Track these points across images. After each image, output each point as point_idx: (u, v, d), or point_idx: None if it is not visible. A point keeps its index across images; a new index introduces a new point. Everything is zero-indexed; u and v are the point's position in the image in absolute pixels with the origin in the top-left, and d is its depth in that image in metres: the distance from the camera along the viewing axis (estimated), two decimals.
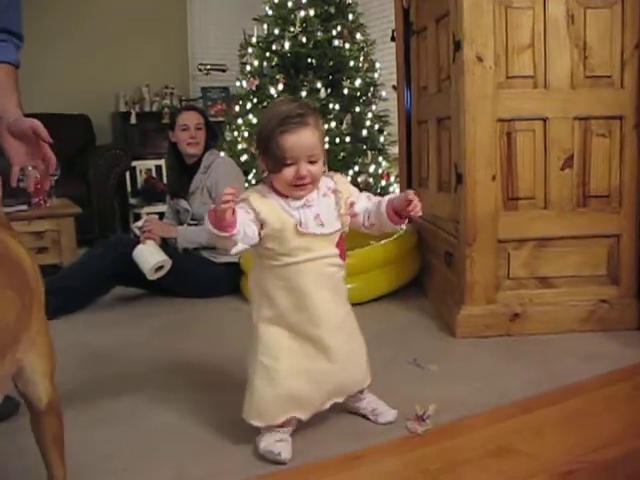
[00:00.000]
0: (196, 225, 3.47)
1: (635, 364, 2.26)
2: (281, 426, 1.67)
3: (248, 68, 4.89)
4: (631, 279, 2.61)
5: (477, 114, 2.49)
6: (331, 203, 1.67)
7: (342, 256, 1.71)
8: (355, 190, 1.75)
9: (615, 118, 2.56)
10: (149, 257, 3.15)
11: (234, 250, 1.59)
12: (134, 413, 1.99)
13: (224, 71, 6.61)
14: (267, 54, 4.76)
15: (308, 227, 1.62)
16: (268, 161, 1.62)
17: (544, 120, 2.53)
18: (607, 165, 2.58)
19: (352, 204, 1.71)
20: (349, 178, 4.51)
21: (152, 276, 3.18)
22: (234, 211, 1.48)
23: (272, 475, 1.59)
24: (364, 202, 1.73)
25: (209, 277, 3.38)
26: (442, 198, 2.92)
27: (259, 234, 1.61)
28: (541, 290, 2.60)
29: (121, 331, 2.90)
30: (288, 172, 1.58)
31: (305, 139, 1.57)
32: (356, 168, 4.61)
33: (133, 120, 6.23)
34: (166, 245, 3.32)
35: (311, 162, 1.59)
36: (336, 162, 4.52)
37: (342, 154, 4.54)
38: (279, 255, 1.63)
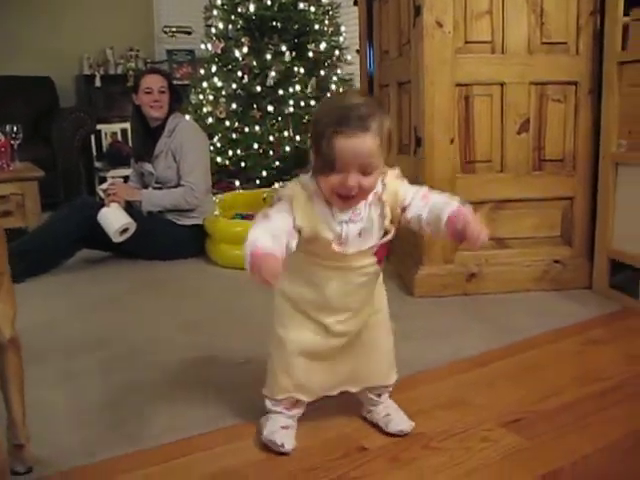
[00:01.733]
0: (160, 188, 3.50)
1: (584, 321, 2.37)
2: (287, 408, 1.59)
3: (213, 31, 4.86)
4: (583, 240, 2.71)
5: (436, 78, 2.54)
6: (376, 213, 1.46)
7: (379, 262, 1.53)
8: (408, 191, 1.49)
9: (570, 84, 2.63)
10: (114, 220, 3.18)
11: None
12: (99, 370, 2.04)
13: (189, 33, 6.55)
14: (232, 17, 4.73)
15: (347, 243, 1.44)
16: (317, 158, 1.39)
17: (501, 85, 2.59)
18: (562, 130, 2.66)
19: (404, 209, 1.48)
20: None
21: (117, 239, 3.21)
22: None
23: (220, 430, 1.66)
24: (417, 207, 1.47)
25: (174, 239, 3.42)
26: (402, 161, 2.97)
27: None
28: (497, 251, 2.69)
29: (86, 293, 2.93)
30: (335, 179, 1.36)
31: (361, 147, 1.33)
32: None
33: (97, 83, 6.15)
34: (131, 208, 3.34)
35: (364, 173, 1.36)
36: (301, 125, 4.55)
37: (307, 117, 4.55)
38: (312, 255, 1.47)
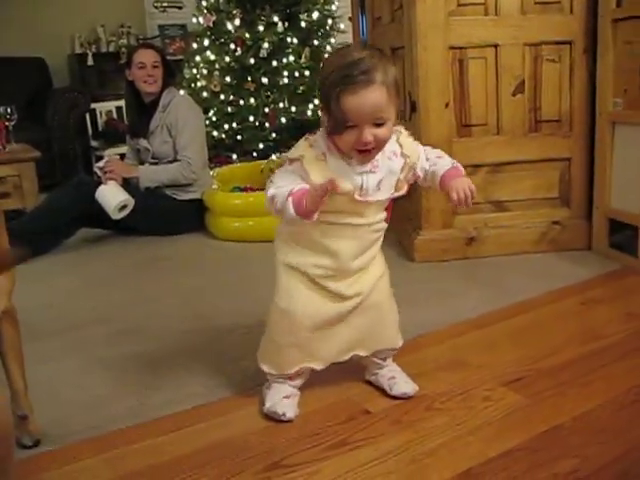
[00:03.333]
0: (157, 164, 3.49)
1: (584, 281, 2.38)
2: (291, 378, 1.59)
3: (204, 4, 4.80)
4: (582, 201, 2.71)
5: (429, 43, 2.52)
6: (395, 167, 1.47)
7: (387, 219, 1.55)
8: (420, 149, 1.54)
9: (565, 43, 2.61)
10: (111, 197, 3.17)
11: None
12: (103, 345, 2.06)
13: (180, 8, 6.48)
14: None
15: (367, 194, 1.44)
16: (329, 119, 1.39)
17: (495, 47, 2.57)
18: (557, 90, 2.65)
19: (414, 166, 1.52)
20: (309, 112, 4.52)
21: (116, 216, 3.21)
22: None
23: (223, 400, 1.68)
24: (423, 162, 1.53)
25: (173, 214, 3.42)
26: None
27: None
28: (496, 214, 2.69)
29: (88, 271, 2.94)
30: (350, 136, 1.36)
31: (369, 100, 1.32)
32: (316, 102, 4.60)
33: (90, 61, 6.10)
34: (128, 185, 3.33)
35: (378, 125, 1.36)
36: (296, 96, 4.52)
37: (302, 88, 4.52)
38: (326, 212, 1.42)
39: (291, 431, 1.50)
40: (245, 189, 3.64)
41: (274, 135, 4.47)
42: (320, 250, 1.49)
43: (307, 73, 4.58)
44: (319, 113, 4.57)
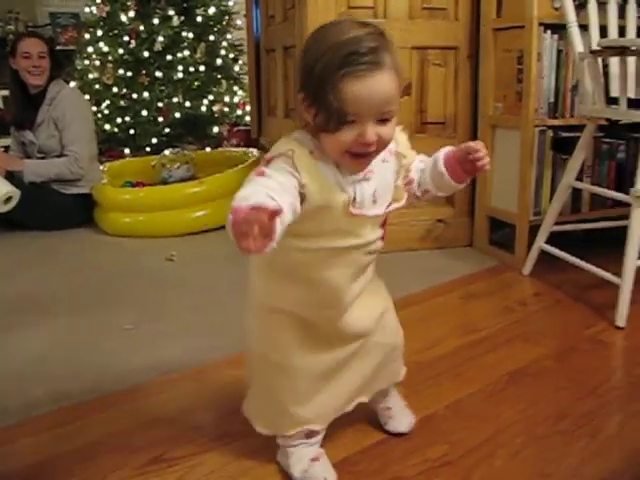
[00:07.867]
0: (44, 158, 3.39)
1: (464, 276, 2.49)
2: (308, 436, 1.32)
3: None
4: (464, 200, 2.84)
5: None
6: (390, 171, 1.19)
7: (383, 236, 1.27)
8: (411, 150, 1.25)
9: (450, 48, 2.72)
10: None
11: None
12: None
13: None
14: None
15: (363, 207, 1.15)
16: (318, 113, 1.06)
17: None
18: (443, 93, 2.76)
19: (409, 168, 1.25)
20: (204, 108, 4.50)
21: (1, 209, 3.09)
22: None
23: (105, 396, 1.67)
24: (417, 163, 1.26)
25: (61, 209, 3.33)
26: (289, 125, 3.01)
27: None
28: None
29: None
30: (348, 134, 1.05)
31: (379, 88, 1.03)
32: (211, 97, 4.60)
33: None
34: (12, 178, 3.22)
35: (382, 121, 1.05)
36: (190, 91, 4.49)
37: (196, 83, 4.51)
38: (312, 237, 1.15)
39: (174, 425, 1.50)
40: (136, 184, 3.59)
41: (167, 130, 4.44)
42: (308, 283, 1.20)
43: (202, 68, 4.57)
44: (213, 109, 4.61)
